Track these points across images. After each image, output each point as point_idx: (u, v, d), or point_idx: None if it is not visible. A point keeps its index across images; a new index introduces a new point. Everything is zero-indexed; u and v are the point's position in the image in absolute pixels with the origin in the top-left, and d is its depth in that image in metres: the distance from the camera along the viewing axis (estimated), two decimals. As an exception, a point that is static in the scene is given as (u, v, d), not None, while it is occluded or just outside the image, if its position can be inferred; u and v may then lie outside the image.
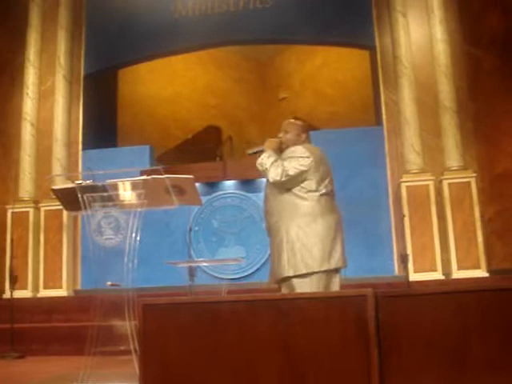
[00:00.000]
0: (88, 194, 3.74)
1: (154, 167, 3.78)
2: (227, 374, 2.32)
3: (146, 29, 9.16)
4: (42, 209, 8.58)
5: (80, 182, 3.70)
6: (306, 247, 3.81)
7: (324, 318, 2.24)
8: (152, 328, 2.37)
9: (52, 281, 8.36)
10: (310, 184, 3.91)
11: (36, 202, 8.64)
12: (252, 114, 12.92)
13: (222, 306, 2.33)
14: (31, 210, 8.54)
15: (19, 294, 7.52)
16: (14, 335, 6.47)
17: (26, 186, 8.72)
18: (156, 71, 11.47)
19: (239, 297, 2.32)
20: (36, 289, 8.38)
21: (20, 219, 8.48)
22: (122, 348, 3.97)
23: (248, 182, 8.36)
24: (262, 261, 7.84)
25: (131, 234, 3.64)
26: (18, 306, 6.90)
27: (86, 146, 9.01)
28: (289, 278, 3.84)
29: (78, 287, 8.52)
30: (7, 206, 8.64)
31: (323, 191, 3.96)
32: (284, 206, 3.94)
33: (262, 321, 2.27)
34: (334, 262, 3.87)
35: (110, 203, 3.74)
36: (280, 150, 4.06)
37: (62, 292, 8.30)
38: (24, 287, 8.15)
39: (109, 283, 3.67)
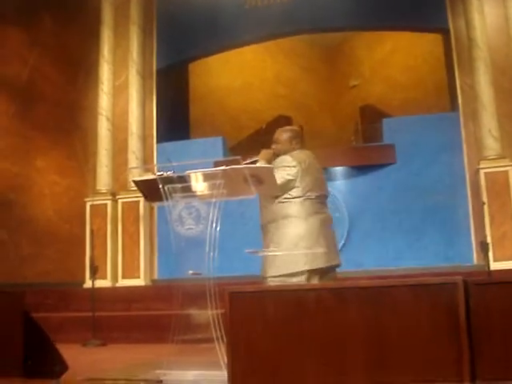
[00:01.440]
0: (169, 185, 3.81)
1: (231, 157, 3.80)
2: (313, 361, 2.32)
3: (216, 21, 9.22)
4: (120, 201, 8.82)
5: (161, 173, 3.77)
6: (288, 249, 3.98)
7: (413, 306, 2.21)
8: (239, 315, 2.40)
9: (130, 271, 8.57)
10: (297, 191, 4.10)
11: (113, 194, 8.88)
12: (322, 103, 12.85)
13: (308, 293, 2.34)
14: (109, 202, 8.79)
15: (99, 283, 7.71)
16: (95, 324, 6.66)
17: (104, 178, 8.97)
18: (226, 63, 11.54)
19: (326, 284, 2.33)
20: (115, 278, 8.62)
21: (98, 211, 8.75)
22: (204, 336, 4.04)
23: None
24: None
25: (212, 223, 3.69)
26: (99, 295, 7.10)
27: (160, 138, 9.18)
28: (273, 277, 4.02)
29: (155, 277, 8.71)
30: (86, 199, 8.94)
31: (309, 195, 4.12)
32: (273, 210, 4.16)
33: (349, 308, 2.26)
34: (316, 263, 3.98)
35: (190, 193, 3.80)
36: (273, 160, 4.25)
37: (139, 281, 8.50)
38: (103, 277, 8.37)
39: (190, 272, 3.73)
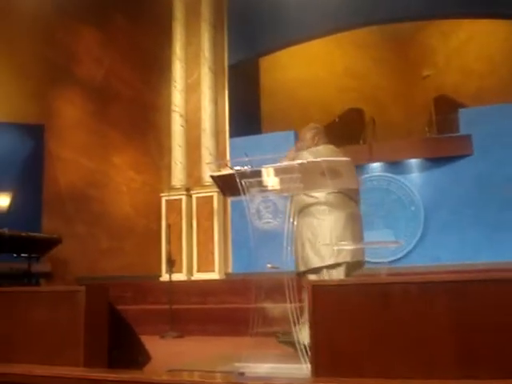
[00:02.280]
0: (246, 180, 3.83)
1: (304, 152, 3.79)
2: (398, 355, 2.29)
3: (286, 15, 9.18)
4: (194, 196, 8.95)
5: (238, 168, 3.80)
6: (312, 244, 4.18)
7: (503, 301, 2.14)
8: (322, 308, 2.39)
9: (205, 264, 8.70)
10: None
11: (188, 190, 9.03)
12: (393, 94, 12.61)
13: (393, 287, 2.30)
14: (183, 198, 8.94)
15: (175, 276, 7.84)
16: (172, 316, 6.79)
17: (178, 174, 9.14)
18: (295, 57, 11.50)
19: (412, 278, 2.29)
20: (190, 272, 8.77)
21: (173, 206, 8.92)
22: (281, 329, 4.06)
23: (395, 164, 8.20)
24: (412, 244, 7.67)
25: (289, 217, 3.69)
26: (175, 288, 7.22)
27: (233, 134, 9.26)
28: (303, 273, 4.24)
29: (229, 271, 8.80)
30: (161, 194, 9.12)
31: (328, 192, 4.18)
32: (296, 206, 4.23)
33: (436, 302, 2.22)
34: (342, 256, 4.14)
35: (267, 188, 3.81)
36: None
37: (214, 275, 8.61)
38: (179, 271, 8.52)
39: (269, 266, 3.74)
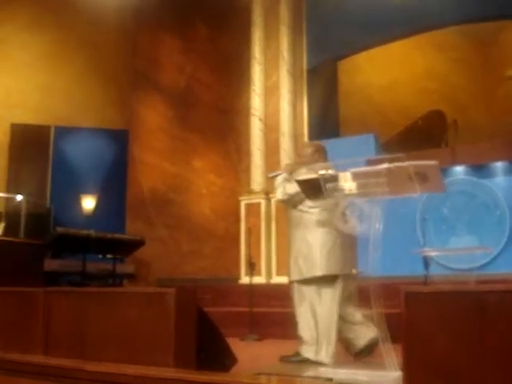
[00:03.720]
0: (330, 184, 3.82)
1: (390, 155, 3.74)
2: (495, 368, 2.21)
3: (365, 17, 9.10)
4: (273, 200, 8.96)
5: (323, 172, 3.78)
6: (304, 255, 4.39)
7: None
8: (415, 316, 2.34)
9: (284, 268, 8.63)
10: (311, 202, 4.38)
11: (267, 193, 9.06)
12: (475, 96, 12.27)
13: (489, 296, 2.23)
14: (262, 201, 8.98)
15: (254, 280, 7.90)
16: (252, 319, 6.82)
17: (257, 178, 9.19)
18: (374, 59, 11.40)
19: (508, 287, 2.20)
20: (269, 275, 8.79)
21: (253, 210, 8.97)
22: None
23: (480, 167, 7.94)
24: (498, 250, 7.40)
25: (375, 222, 3.64)
26: (254, 291, 7.25)
27: (311, 137, 9.22)
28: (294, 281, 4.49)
29: (309, 275, 8.75)
30: (240, 198, 9.20)
31: (322, 207, 4.36)
32: (292, 219, 4.57)
33: (536, 313, 2.13)
34: (331, 268, 4.32)
35: (354, 192, 3.78)
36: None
37: (293, 279, 8.58)
38: (258, 274, 8.53)
39: (354, 270, 3.71)
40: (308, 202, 4.40)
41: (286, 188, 4.51)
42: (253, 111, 9.43)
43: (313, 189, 3.92)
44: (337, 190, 3.82)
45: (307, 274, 4.39)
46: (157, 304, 2.89)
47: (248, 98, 9.60)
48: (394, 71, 11.97)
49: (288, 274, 4.64)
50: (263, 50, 9.72)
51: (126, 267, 8.72)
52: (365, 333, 4.36)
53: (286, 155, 9.03)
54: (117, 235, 8.18)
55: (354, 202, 3.75)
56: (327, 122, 9.90)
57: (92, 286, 7.58)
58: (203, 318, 3.26)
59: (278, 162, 9.07)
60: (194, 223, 9.72)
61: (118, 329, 2.98)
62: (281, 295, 7.91)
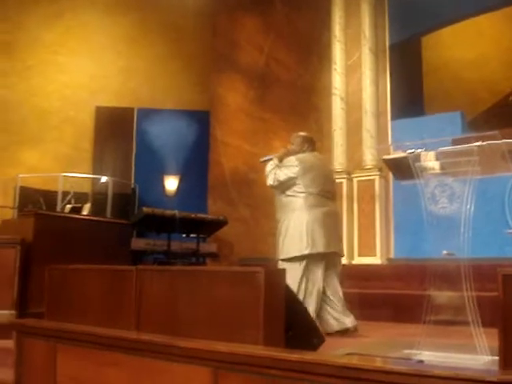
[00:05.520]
0: (419, 163, 3.73)
1: (482, 133, 3.60)
2: None
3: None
4: (355, 179, 8.87)
5: (412, 150, 3.70)
6: (292, 236, 4.75)
7: None
8: (513, 299, 2.26)
9: (366, 249, 8.61)
10: (299, 187, 4.84)
11: (348, 173, 8.96)
12: None
13: None
14: (344, 181, 8.87)
15: (336, 260, 7.86)
16: (335, 299, 6.79)
17: (339, 157, 9.10)
18: (459, 33, 11.02)
19: None
20: (351, 256, 8.72)
21: (334, 189, 8.89)
22: (454, 318, 3.92)
23: None
24: None
25: (466, 202, 3.54)
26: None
27: (395, 115, 9.03)
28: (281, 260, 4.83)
29: (391, 256, 8.64)
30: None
31: (310, 191, 4.84)
32: (281, 203, 4.96)
33: None
34: (316, 247, 4.74)
35: (442, 171, 3.68)
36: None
37: (375, 260, 8.51)
38: (340, 254, 8.49)
39: (444, 252, 3.62)
40: (295, 188, 4.84)
41: (277, 174, 4.85)
42: (334, 90, 9.32)
43: (400, 168, 3.84)
44: (426, 169, 3.74)
45: (296, 253, 4.77)
46: (246, 283, 2.91)
47: (329, 77, 9.48)
48: (480, 45, 11.53)
49: (280, 254, 4.92)
50: (343, 28, 9.56)
51: (209, 246, 8.87)
52: (343, 320, 5.04)
53: (368, 134, 8.88)
54: (200, 215, 8.34)
55: (445, 182, 3.64)
56: (411, 99, 9.65)
57: (176, 264, 7.77)
58: (291, 297, 3.27)
59: (360, 142, 8.95)
60: (273, 204, 9.73)
61: (208, 307, 3.03)
62: (364, 276, 7.88)
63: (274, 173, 4.88)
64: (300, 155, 5.00)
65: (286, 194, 4.88)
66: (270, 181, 4.91)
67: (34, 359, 3.62)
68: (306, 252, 4.73)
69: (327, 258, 4.94)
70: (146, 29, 11.56)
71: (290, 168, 4.87)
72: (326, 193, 5.05)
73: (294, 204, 4.83)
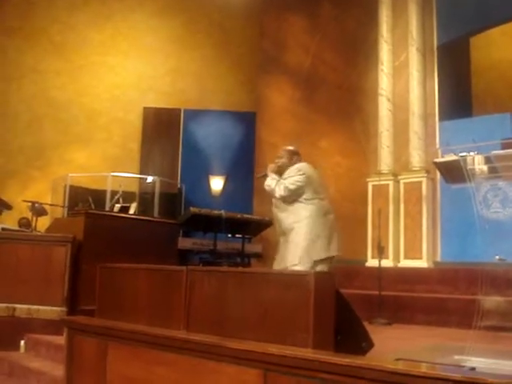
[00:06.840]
0: (471, 167, 3.67)
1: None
2: None
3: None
4: (401, 181, 8.79)
5: (464, 154, 3.64)
6: (312, 240, 4.76)
7: None
8: None
9: (412, 251, 8.51)
10: (307, 194, 4.89)
11: (395, 175, 8.88)
12: None
13: None
14: (391, 183, 8.80)
15: (382, 262, 7.79)
16: (380, 302, 6.75)
17: (385, 159, 9.03)
18: (509, 34, 10.75)
19: None
20: (397, 259, 8.64)
21: (380, 191, 8.82)
22: (504, 324, 3.86)
23: None
24: None
25: (521, 207, 3.47)
26: (382, 274, 7.15)
27: (442, 117, 8.90)
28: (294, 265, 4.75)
29: (438, 259, 8.52)
30: (368, 179, 9.09)
31: (319, 197, 4.93)
32: (294, 212, 4.90)
33: None
34: (333, 250, 4.86)
35: (495, 175, 3.61)
36: (279, 172, 5.01)
37: (421, 263, 8.39)
38: (386, 257, 8.38)
39: (497, 257, 3.56)
40: (305, 196, 4.88)
41: (285, 185, 4.87)
42: (381, 91, 9.25)
43: (451, 171, 3.79)
44: (489, 172, 3.68)
45: (320, 256, 4.82)
46: (296, 286, 2.91)
47: (375, 78, 9.42)
48: (532, 46, 11.25)
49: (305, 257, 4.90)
50: (391, 28, 9.49)
51: (254, 247, 8.91)
52: None
53: (415, 136, 8.78)
54: (246, 216, 8.37)
55: (498, 186, 3.58)
56: (459, 100, 9.47)
57: (222, 264, 7.82)
58: (341, 301, 3.26)
59: (406, 143, 8.86)
60: (320, 204, 9.72)
61: (257, 308, 3.04)
62: (410, 279, 7.81)
63: (283, 183, 4.92)
64: (296, 165, 5.05)
65: (298, 201, 4.93)
66: (279, 192, 4.92)
67: (84, 356, 3.69)
68: (326, 255, 4.85)
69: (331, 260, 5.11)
70: (194, 30, 11.68)
71: (297, 177, 4.93)
72: (327, 198, 5.20)
73: (307, 211, 4.88)
